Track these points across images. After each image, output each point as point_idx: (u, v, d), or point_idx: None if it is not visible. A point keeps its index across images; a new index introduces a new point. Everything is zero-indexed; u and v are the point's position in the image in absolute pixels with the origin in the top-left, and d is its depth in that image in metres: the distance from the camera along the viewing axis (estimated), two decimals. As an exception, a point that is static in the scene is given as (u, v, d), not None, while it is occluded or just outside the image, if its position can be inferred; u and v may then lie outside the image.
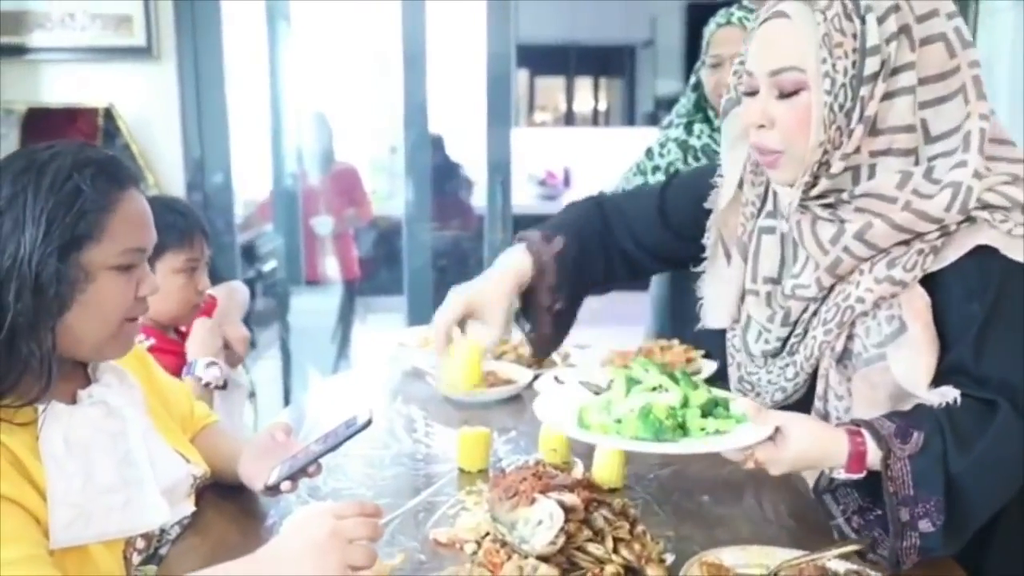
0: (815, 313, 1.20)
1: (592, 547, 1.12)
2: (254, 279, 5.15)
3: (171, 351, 1.77)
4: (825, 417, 1.21)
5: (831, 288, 1.18)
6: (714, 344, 2.17)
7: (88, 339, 1.01)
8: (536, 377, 2.00)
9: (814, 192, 1.14)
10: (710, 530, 1.28)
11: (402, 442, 1.65)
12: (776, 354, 1.27)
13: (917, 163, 1.11)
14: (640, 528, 1.21)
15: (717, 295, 1.37)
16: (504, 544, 1.13)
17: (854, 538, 1.11)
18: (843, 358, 1.18)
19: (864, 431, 1.08)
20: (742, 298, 1.31)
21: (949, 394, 1.08)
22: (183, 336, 1.86)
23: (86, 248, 0.97)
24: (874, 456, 1.06)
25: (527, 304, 1.45)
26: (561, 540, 1.10)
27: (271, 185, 4.42)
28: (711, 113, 2.14)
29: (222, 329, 1.89)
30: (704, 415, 1.15)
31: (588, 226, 1.48)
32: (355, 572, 0.91)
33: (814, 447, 1.08)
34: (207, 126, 3.57)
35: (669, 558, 1.16)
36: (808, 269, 1.20)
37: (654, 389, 1.17)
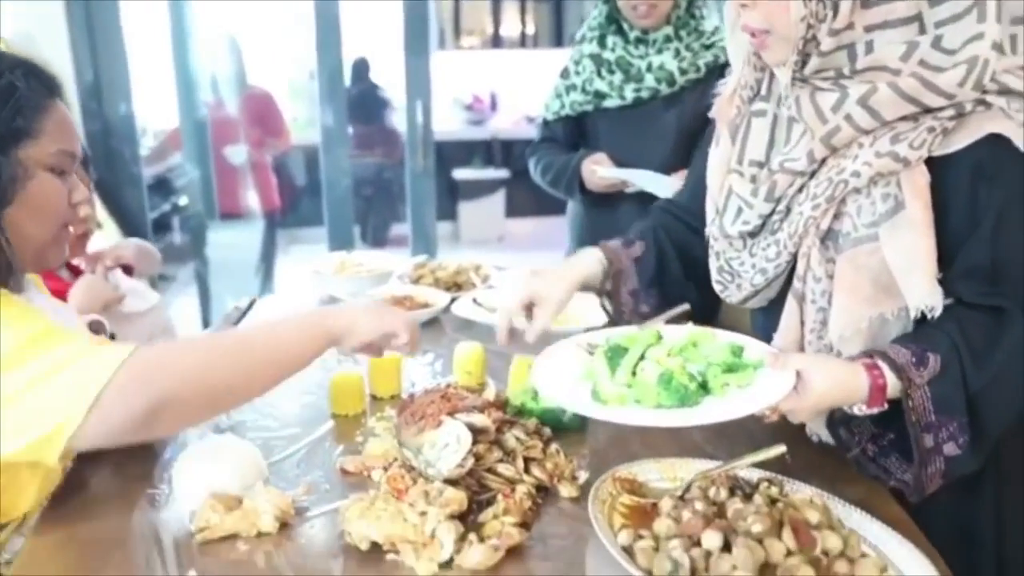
0: (801, 189, 1.13)
1: (503, 468, 1.09)
2: (168, 213, 4.94)
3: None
4: (801, 299, 1.15)
5: (822, 162, 1.11)
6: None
7: (32, 238, 1.03)
8: (453, 300, 1.95)
9: (807, 71, 1.07)
10: (628, 447, 1.25)
11: (312, 371, 1.57)
12: (755, 234, 1.20)
13: (923, 32, 1.02)
14: (554, 447, 1.18)
15: (709, 190, 1.30)
16: (411, 469, 1.08)
17: (775, 447, 1.08)
18: (827, 238, 1.10)
19: (880, 362, 1.01)
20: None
21: (933, 297, 1.02)
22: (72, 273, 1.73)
23: (23, 144, 1.00)
24: (894, 388, 1.00)
25: (615, 306, 1.38)
26: (469, 463, 1.06)
27: (179, 113, 4.18)
28: (624, 25, 2.06)
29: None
30: (732, 369, 1.05)
31: (665, 227, 1.41)
32: (403, 332, 1.12)
33: (835, 389, 1.01)
34: (101, 48, 3.33)
35: (583, 475, 1.13)
36: (802, 144, 1.12)
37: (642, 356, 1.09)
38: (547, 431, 1.24)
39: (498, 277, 2.19)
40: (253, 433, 1.29)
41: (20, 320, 0.94)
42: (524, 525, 1.00)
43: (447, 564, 0.94)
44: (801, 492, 1.03)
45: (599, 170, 2.03)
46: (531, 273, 1.30)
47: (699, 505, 0.95)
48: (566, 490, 1.09)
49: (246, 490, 1.07)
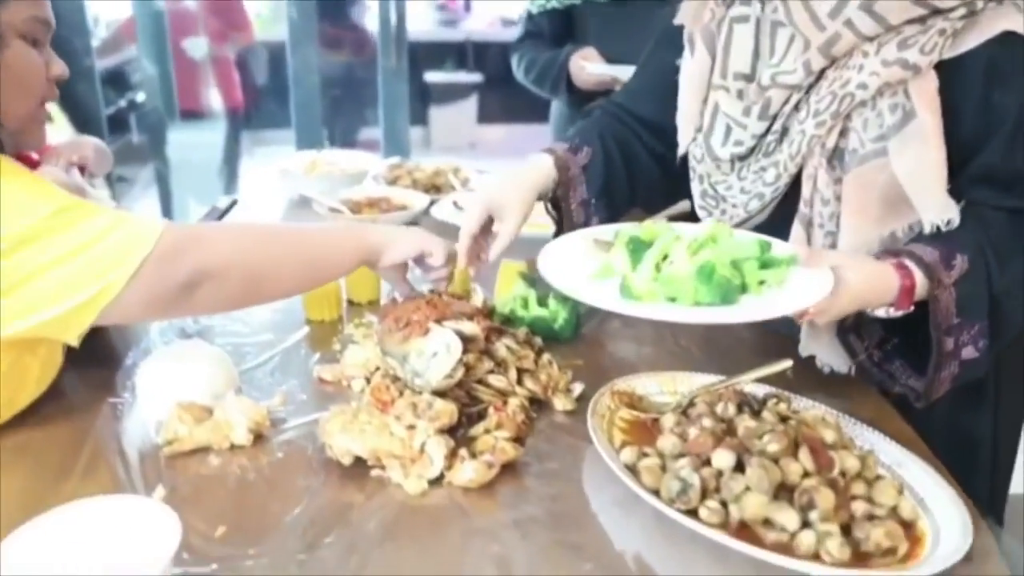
0: (797, 106, 1.05)
1: (494, 379, 1.01)
2: (125, 111, 4.69)
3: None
4: (808, 224, 1.07)
5: (820, 74, 1.02)
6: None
7: (11, 114, 0.96)
8: (433, 203, 1.84)
9: None
10: (622, 358, 1.19)
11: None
12: (746, 156, 1.12)
13: None
14: (546, 357, 1.11)
15: (682, 105, 1.20)
16: (396, 380, 1.00)
17: (780, 361, 1.03)
18: (833, 156, 1.03)
19: (908, 262, 0.95)
20: (704, 100, 1.15)
21: (949, 210, 0.97)
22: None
23: None
24: (921, 288, 0.95)
25: (565, 218, 1.25)
26: (459, 373, 0.98)
27: (132, 2, 3.91)
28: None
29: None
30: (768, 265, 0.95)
31: (612, 134, 1.28)
32: (439, 251, 1.09)
33: (867, 288, 0.94)
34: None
35: (577, 388, 1.06)
36: (793, 53, 1.03)
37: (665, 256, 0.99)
38: (538, 341, 1.17)
39: (478, 180, 2.09)
40: (222, 339, 1.20)
41: (41, 192, 0.88)
42: (518, 440, 0.94)
43: (437, 481, 0.87)
44: (811, 410, 0.97)
45: (588, 66, 1.91)
46: (477, 195, 1.18)
47: (707, 422, 0.89)
48: (561, 403, 1.03)
49: (216, 400, 0.99)
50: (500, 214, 1.15)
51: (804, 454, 0.82)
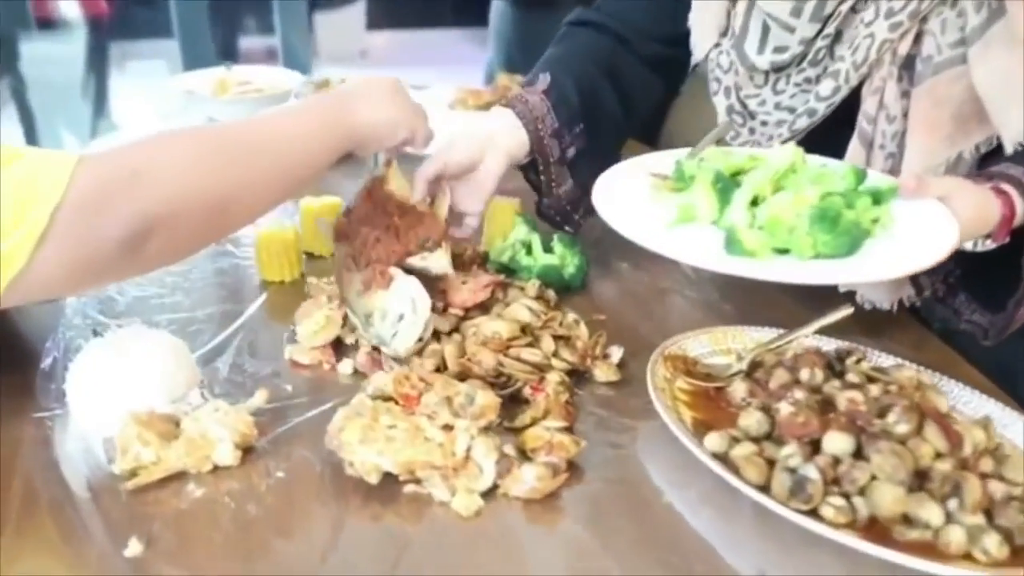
0: (855, 7, 0.89)
1: (528, 352, 0.84)
2: (-36, 20, 4.06)
3: None
4: (870, 145, 0.94)
5: None
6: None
7: None
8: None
9: None
10: (645, 306, 1.03)
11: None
12: (789, 65, 0.96)
13: None
14: (571, 316, 0.94)
15: (702, 8, 1.03)
16: (398, 359, 0.83)
17: (841, 308, 0.89)
18: (903, 66, 0.90)
19: (1006, 186, 0.83)
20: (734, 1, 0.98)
21: None
22: None
23: None
24: (1021, 215, 0.83)
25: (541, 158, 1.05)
26: (428, 334, 0.85)
27: None
28: None
29: None
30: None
31: (585, 49, 1.11)
32: (420, 129, 0.91)
33: (973, 219, 0.81)
34: None
35: (616, 352, 0.90)
36: None
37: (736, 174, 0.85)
38: (551, 294, 1.00)
39: (419, 97, 1.84)
40: (159, 315, 0.97)
41: None
42: (568, 429, 0.77)
43: (488, 492, 0.70)
44: (901, 368, 0.84)
45: None
46: (441, 152, 0.97)
47: (799, 394, 0.75)
48: (603, 373, 0.86)
49: (177, 404, 0.78)
50: (466, 184, 0.99)
51: (933, 431, 0.69)
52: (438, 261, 0.90)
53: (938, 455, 0.68)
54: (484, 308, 0.94)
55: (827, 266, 0.76)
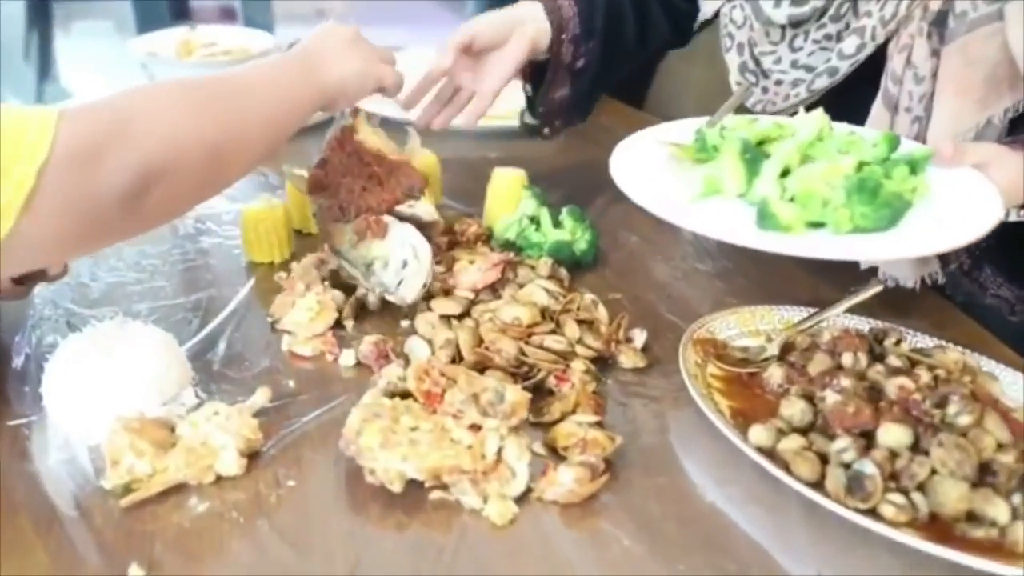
0: None
1: (551, 340, 0.78)
2: None
3: None
4: (894, 108, 0.89)
5: None
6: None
7: None
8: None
9: None
10: (662, 284, 0.98)
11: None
12: (807, 20, 0.92)
13: None
14: (588, 297, 0.88)
15: None
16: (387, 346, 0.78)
17: (871, 284, 0.86)
18: (933, 23, 0.85)
19: None
20: None
21: None
22: None
23: None
24: None
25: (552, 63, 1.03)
26: (431, 279, 0.84)
27: None
28: None
29: None
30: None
31: None
32: (389, 76, 0.90)
33: (1011, 187, 0.77)
34: None
35: (639, 336, 0.84)
36: None
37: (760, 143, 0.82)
38: (564, 272, 0.94)
39: (400, 59, 1.75)
40: (139, 303, 0.89)
41: None
42: (599, 423, 0.72)
43: (522, 497, 0.65)
44: (944, 349, 0.79)
45: None
46: (473, 20, 0.98)
47: (845, 381, 0.70)
48: (629, 359, 0.81)
49: (170, 406, 0.71)
50: (490, 52, 0.97)
51: (994, 421, 0.65)
52: (425, 208, 0.88)
53: (999, 446, 0.64)
54: (493, 289, 0.88)
55: (866, 240, 0.73)
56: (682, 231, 1.09)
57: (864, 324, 0.84)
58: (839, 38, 0.91)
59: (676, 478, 0.69)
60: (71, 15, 4.64)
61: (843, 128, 0.84)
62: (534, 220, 0.98)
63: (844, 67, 0.91)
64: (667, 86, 1.90)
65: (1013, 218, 0.82)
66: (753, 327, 0.85)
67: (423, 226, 0.87)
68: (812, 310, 0.85)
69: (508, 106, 1.50)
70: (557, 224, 0.99)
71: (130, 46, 1.67)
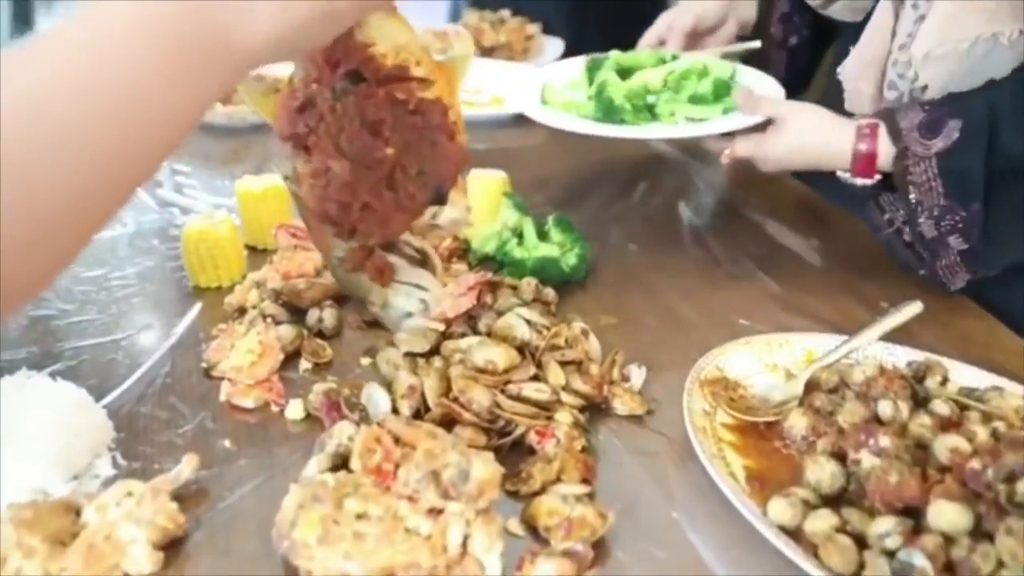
0: None
1: (532, 389, 0.66)
2: None
3: None
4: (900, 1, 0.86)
5: None
6: (550, 8, 1.65)
7: None
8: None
9: None
10: (665, 305, 0.86)
11: (139, 210, 1.03)
12: None
13: None
14: (577, 326, 0.76)
15: None
16: (356, 406, 0.65)
17: (909, 303, 0.75)
18: None
19: (882, 124, 0.83)
20: None
21: None
22: None
23: None
24: (887, 157, 0.83)
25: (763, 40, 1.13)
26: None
27: None
28: None
29: None
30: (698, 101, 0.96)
31: None
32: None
33: (815, 141, 0.86)
34: None
35: (637, 375, 0.72)
36: None
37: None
38: (550, 293, 0.82)
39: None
40: (62, 344, 0.77)
41: None
42: (585, 482, 0.60)
43: (492, 597, 0.53)
44: (998, 393, 0.66)
45: None
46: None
47: (884, 441, 0.58)
48: (624, 405, 0.69)
49: (80, 481, 0.59)
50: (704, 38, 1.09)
51: None
52: (452, 210, 0.68)
53: None
54: (470, 317, 0.76)
55: (585, 122, 0.96)
56: (685, 234, 0.99)
57: (901, 355, 0.72)
58: None
59: (683, 562, 0.57)
60: (53, -6, 4.50)
61: (749, 76, 1.02)
62: (516, 233, 0.86)
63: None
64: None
65: (857, 182, 0.85)
66: (770, 361, 0.73)
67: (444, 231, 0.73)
68: (839, 337, 0.74)
69: (490, 94, 1.38)
70: (542, 235, 0.87)
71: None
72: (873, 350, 0.72)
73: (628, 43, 1.74)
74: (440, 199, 0.67)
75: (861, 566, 0.53)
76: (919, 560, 0.51)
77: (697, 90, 0.95)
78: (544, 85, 1.03)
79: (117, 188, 0.45)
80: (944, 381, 0.68)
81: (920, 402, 0.64)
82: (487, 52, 1.55)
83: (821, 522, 0.55)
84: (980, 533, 0.52)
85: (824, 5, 0.98)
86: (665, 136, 1.02)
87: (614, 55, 1.05)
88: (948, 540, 0.52)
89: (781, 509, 0.56)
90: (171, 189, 1.07)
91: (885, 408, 0.62)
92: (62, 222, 0.43)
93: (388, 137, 0.62)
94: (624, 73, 1.00)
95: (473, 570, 0.53)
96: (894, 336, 0.74)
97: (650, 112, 0.96)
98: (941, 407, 0.63)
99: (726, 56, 1.09)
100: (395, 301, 0.72)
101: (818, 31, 1.09)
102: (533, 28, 1.60)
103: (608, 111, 0.94)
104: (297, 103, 0.62)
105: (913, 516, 0.54)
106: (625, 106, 0.94)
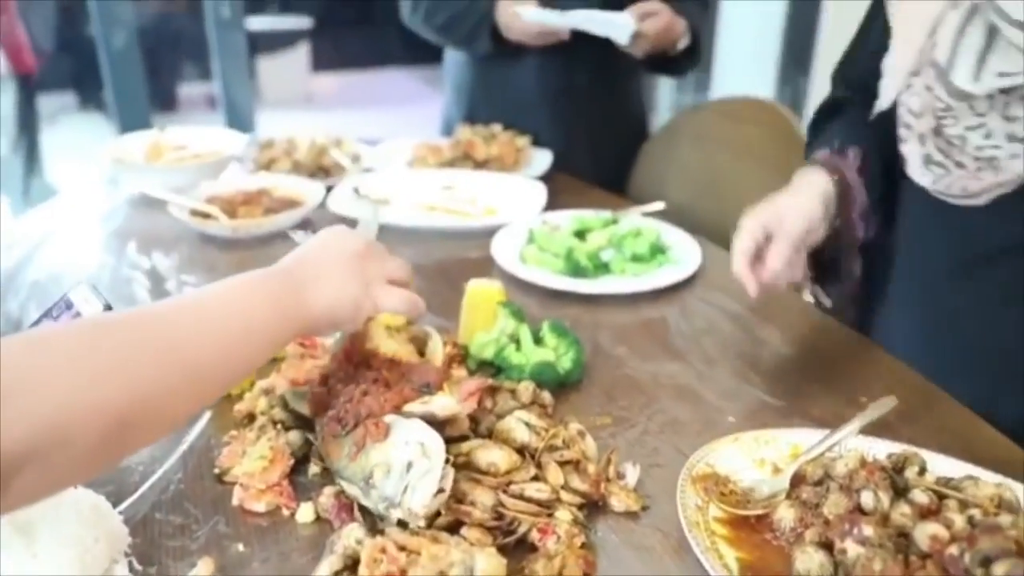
0: None
1: (533, 489, 0.69)
2: None
3: None
4: None
5: None
6: (540, 122, 1.74)
7: None
8: (330, 191, 1.46)
9: None
10: (652, 402, 0.90)
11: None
12: (1012, 89, 0.79)
13: None
14: (574, 427, 0.79)
15: (897, 47, 0.91)
16: (368, 514, 0.67)
17: (884, 399, 0.79)
18: None
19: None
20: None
21: None
22: None
23: None
24: None
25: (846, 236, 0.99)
26: (449, 483, 0.66)
27: None
28: None
29: None
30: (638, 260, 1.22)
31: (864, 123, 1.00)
32: (392, 284, 0.76)
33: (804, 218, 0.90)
34: None
35: (632, 473, 0.76)
36: None
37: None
38: (547, 397, 0.86)
39: (373, 154, 1.71)
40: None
41: None
42: (587, 580, 0.63)
43: None
44: (972, 483, 0.69)
45: (524, 12, 1.54)
46: (754, 212, 0.92)
47: (867, 530, 0.61)
48: (621, 502, 0.72)
49: (97, 586, 0.61)
50: (776, 232, 0.90)
51: None
52: (442, 403, 0.72)
53: None
54: (472, 420, 0.80)
55: (555, 276, 1.18)
56: (672, 340, 1.03)
57: (881, 447, 0.76)
58: None
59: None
60: (60, 108, 4.67)
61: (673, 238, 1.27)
62: (513, 339, 0.91)
63: None
64: (651, 169, 1.86)
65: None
66: (757, 456, 0.77)
67: (438, 424, 0.71)
68: (821, 431, 0.78)
69: (484, 205, 1.46)
70: (538, 340, 0.92)
71: (101, 152, 1.62)
72: (854, 443, 0.76)
73: (614, 157, 1.84)
74: (424, 393, 0.74)
75: (853, 655, 0.55)
76: (909, 652, 0.53)
77: (636, 249, 1.21)
78: (523, 252, 1.25)
79: (214, 390, 0.62)
80: (922, 471, 0.71)
81: (900, 492, 0.68)
82: (480, 164, 1.63)
83: (811, 615, 0.58)
84: (960, 616, 0.55)
85: (968, 195, 0.89)
86: (617, 291, 1.14)
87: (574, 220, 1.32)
88: (934, 628, 0.55)
89: (774, 601, 0.59)
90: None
91: (867, 499, 0.66)
92: (177, 403, 0.58)
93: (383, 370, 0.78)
94: (580, 234, 1.28)
95: (482, 669, 0.55)
96: (873, 430, 0.78)
97: (605, 268, 1.20)
98: (920, 496, 0.66)
99: (646, 215, 1.35)
100: (394, 455, 0.67)
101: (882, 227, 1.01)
102: (523, 141, 1.69)
103: (576, 270, 1.18)
104: (320, 386, 0.79)
105: (899, 604, 0.57)
106: (588, 265, 1.18)
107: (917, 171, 0.92)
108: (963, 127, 0.84)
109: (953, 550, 0.58)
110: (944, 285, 0.95)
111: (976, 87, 0.80)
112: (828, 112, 1.10)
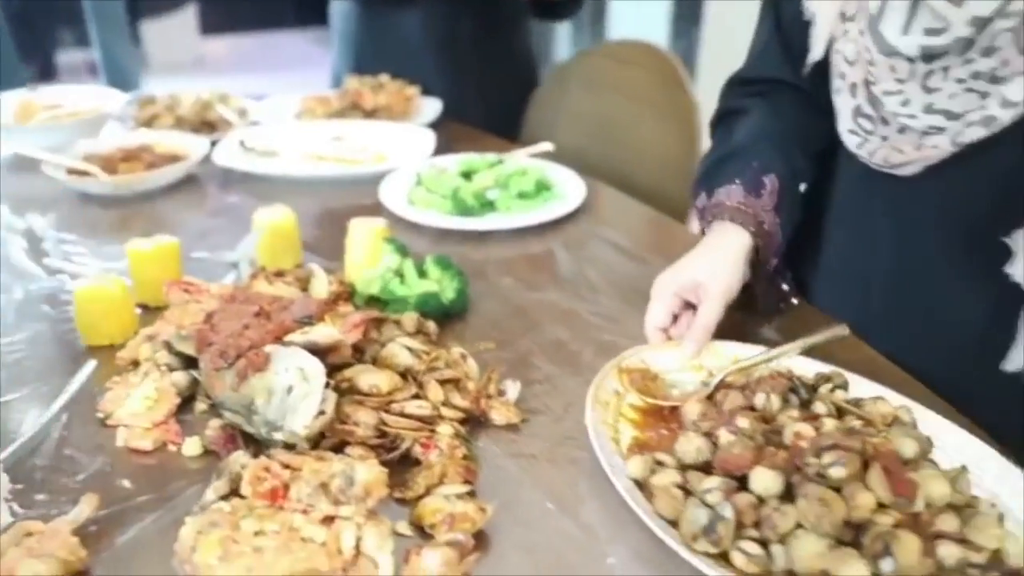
0: None
1: (413, 406, 0.72)
2: None
3: None
4: None
5: None
6: (427, 71, 1.74)
7: None
8: (215, 145, 1.44)
9: None
10: (544, 328, 0.93)
11: (26, 279, 1.05)
12: (947, 52, 0.73)
13: None
14: (456, 351, 0.82)
15: None
16: (254, 441, 0.69)
17: (835, 327, 0.83)
18: None
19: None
20: None
21: None
22: None
23: None
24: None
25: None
26: (331, 406, 0.69)
27: None
28: None
29: None
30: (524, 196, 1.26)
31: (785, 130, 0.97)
32: None
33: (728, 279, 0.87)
34: None
35: (512, 389, 0.79)
36: None
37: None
38: (431, 326, 0.88)
39: (261, 108, 1.68)
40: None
41: None
42: (470, 493, 0.66)
43: (387, 590, 0.58)
44: (879, 401, 0.73)
45: None
46: (665, 281, 0.87)
47: (743, 422, 0.67)
48: (501, 415, 0.76)
49: (-21, 529, 0.61)
50: (702, 293, 0.85)
51: (876, 478, 0.59)
52: (323, 331, 0.74)
53: (881, 507, 0.59)
54: (357, 350, 0.82)
55: (441, 216, 1.21)
56: (558, 270, 1.07)
57: (814, 367, 0.79)
58: (996, 79, 0.72)
59: (565, 544, 0.63)
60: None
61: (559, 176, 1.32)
62: (398, 273, 0.93)
63: (1007, 116, 0.72)
64: (542, 114, 1.89)
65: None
66: (696, 362, 0.81)
67: (321, 352, 0.72)
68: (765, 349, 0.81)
69: (374, 151, 1.46)
70: (422, 274, 0.94)
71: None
72: (793, 362, 0.80)
73: (504, 104, 1.86)
74: (306, 323, 0.76)
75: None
76: (728, 512, 0.59)
77: (522, 187, 1.25)
78: (410, 195, 1.27)
79: None
80: (835, 389, 0.75)
81: (803, 403, 0.72)
82: (369, 114, 1.63)
83: (663, 478, 0.64)
84: (791, 499, 0.60)
85: (890, 165, 0.85)
86: (505, 227, 1.17)
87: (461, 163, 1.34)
88: (761, 501, 0.60)
89: (635, 465, 0.65)
90: (59, 257, 1.09)
91: (759, 399, 0.71)
92: None
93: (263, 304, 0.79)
94: (466, 175, 1.30)
95: (368, 569, 0.58)
96: (821, 354, 0.80)
97: (491, 207, 1.23)
98: (820, 407, 0.71)
99: (532, 156, 1.38)
100: (274, 381, 0.69)
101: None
102: (412, 90, 1.69)
103: (463, 209, 1.21)
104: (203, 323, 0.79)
105: (744, 483, 0.62)
106: (475, 204, 1.21)
107: (847, 125, 0.87)
108: (881, 90, 0.80)
109: (803, 443, 0.63)
110: (878, 251, 0.91)
111: (903, 42, 0.75)
112: (727, 117, 1.03)
